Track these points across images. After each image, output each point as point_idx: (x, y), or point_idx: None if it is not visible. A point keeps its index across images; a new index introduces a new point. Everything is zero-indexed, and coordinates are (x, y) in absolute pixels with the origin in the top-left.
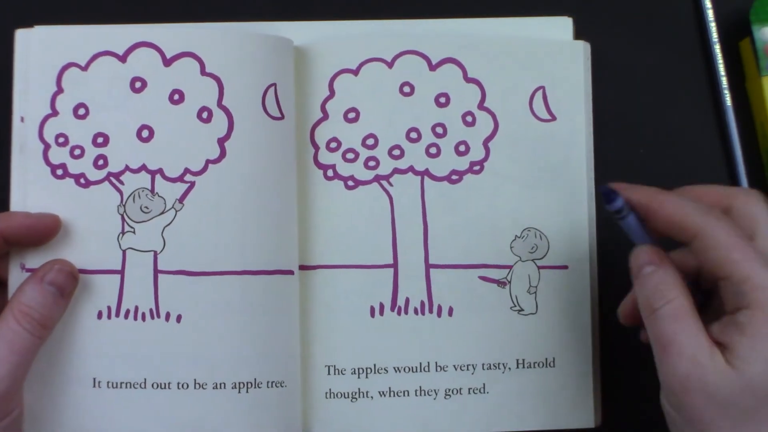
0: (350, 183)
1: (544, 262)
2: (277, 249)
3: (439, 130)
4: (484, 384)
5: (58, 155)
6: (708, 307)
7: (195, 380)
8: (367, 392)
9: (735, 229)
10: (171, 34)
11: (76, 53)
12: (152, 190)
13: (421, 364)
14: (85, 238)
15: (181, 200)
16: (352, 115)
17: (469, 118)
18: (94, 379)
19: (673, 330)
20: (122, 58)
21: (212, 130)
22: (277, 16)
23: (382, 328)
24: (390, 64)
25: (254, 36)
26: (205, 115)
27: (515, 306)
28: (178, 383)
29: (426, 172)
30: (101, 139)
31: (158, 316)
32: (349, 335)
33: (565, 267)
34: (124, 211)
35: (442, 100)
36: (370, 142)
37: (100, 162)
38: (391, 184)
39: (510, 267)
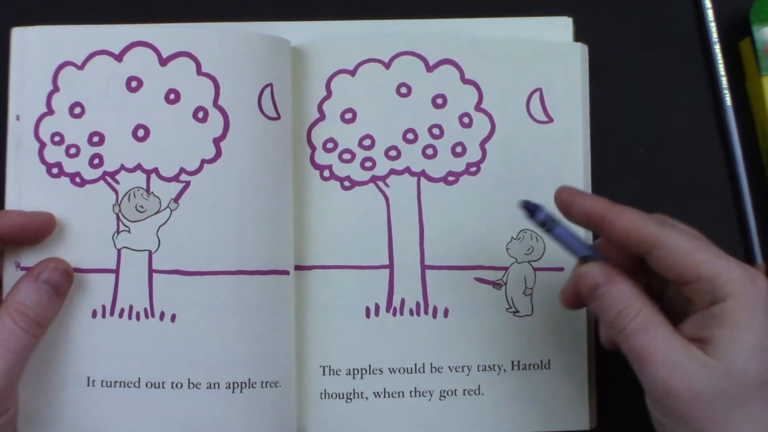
0: (346, 183)
1: (539, 264)
2: (273, 249)
3: (436, 131)
4: (479, 385)
5: (53, 154)
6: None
7: (189, 380)
8: (362, 393)
9: (690, 234)
10: (167, 34)
11: (73, 52)
12: (147, 190)
13: (416, 365)
14: (80, 237)
15: (176, 200)
16: (348, 115)
17: (466, 120)
18: (89, 377)
19: (645, 341)
20: (118, 58)
21: (208, 130)
22: (274, 16)
23: (377, 328)
24: (387, 65)
25: (251, 36)
26: (200, 114)
27: (511, 307)
28: (173, 383)
29: (422, 173)
30: (97, 138)
31: (153, 315)
32: (345, 336)
33: (561, 269)
34: (119, 210)
35: (439, 101)
36: (367, 142)
37: (96, 161)
38: (387, 185)
39: (506, 268)
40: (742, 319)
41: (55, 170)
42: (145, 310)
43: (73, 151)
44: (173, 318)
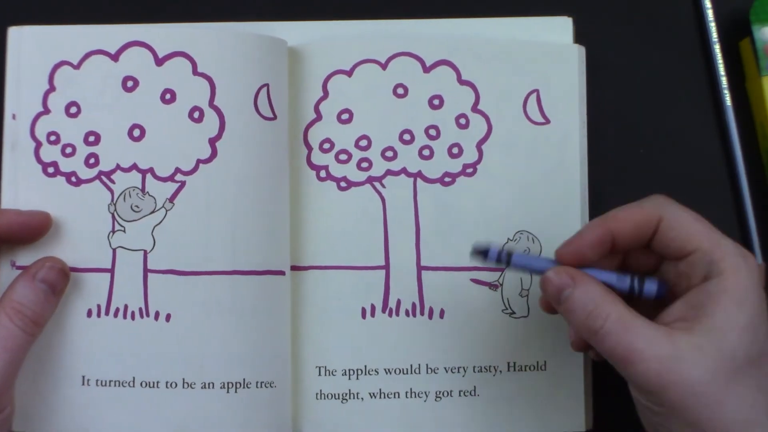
0: (343, 184)
1: None
2: (269, 249)
3: (433, 132)
4: (474, 387)
5: (49, 153)
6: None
7: (184, 380)
8: (357, 393)
9: (688, 209)
10: (163, 34)
11: (69, 52)
12: (143, 190)
13: (411, 366)
14: (76, 236)
15: (171, 200)
16: (345, 116)
17: (462, 121)
18: (83, 377)
19: (628, 340)
20: (114, 57)
21: (203, 130)
22: (270, 17)
23: (373, 329)
24: (384, 66)
25: (247, 36)
26: (196, 114)
27: (507, 309)
28: (167, 382)
29: (419, 174)
30: (93, 138)
31: (147, 315)
32: (340, 336)
33: None
34: (115, 209)
35: (436, 102)
36: (363, 143)
37: (92, 160)
38: (383, 186)
39: (502, 270)
40: (736, 297)
41: (51, 169)
42: (140, 309)
43: (68, 150)
44: (168, 318)
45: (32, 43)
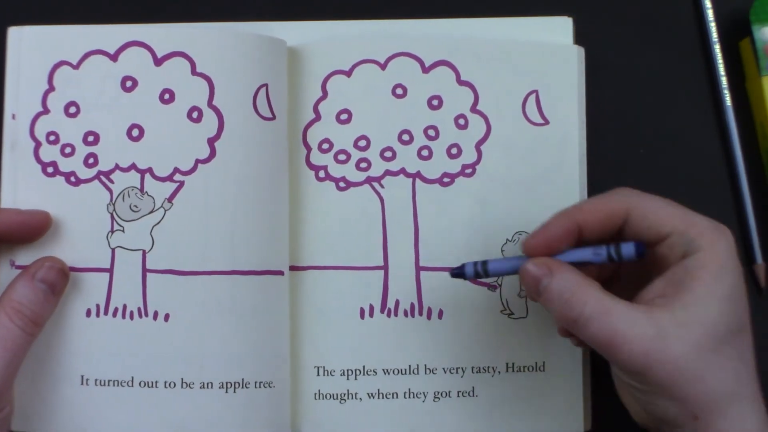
0: (342, 184)
1: None
2: (268, 249)
3: (432, 132)
4: (473, 387)
5: (49, 153)
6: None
7: (182, 380)
8: (355, 394)
9: (653, 195)
10: (162, 34)
11: (68, 52)
12: (141, 189)
13: (410, 366)
14: (75, 236)
15: (170, 199)
16: (344, 116)
17: (461, 121)
18: (82, 376)
19: (607, 326)
20: (113, 57)
21: (202, 130)
22: (269, 17)
23: (371, 329)
24: (383, 66)
25: (246, 36)
26: (195, 114)
27: (505, 309)
28: (166, 382)
29: (418, 175)
30: (92, 138)
31: (146, 315)
32: (339, 336)
33: None
34: (114, 209)
35: (435, 102)
36: (362, 143)
37: (91, 160)
38: (382, 186)
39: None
40: (715, 271)
41: (50, 169)
42: (139, 309)
43: (68, 150)
44: (167, 317)
45: (32, 43)
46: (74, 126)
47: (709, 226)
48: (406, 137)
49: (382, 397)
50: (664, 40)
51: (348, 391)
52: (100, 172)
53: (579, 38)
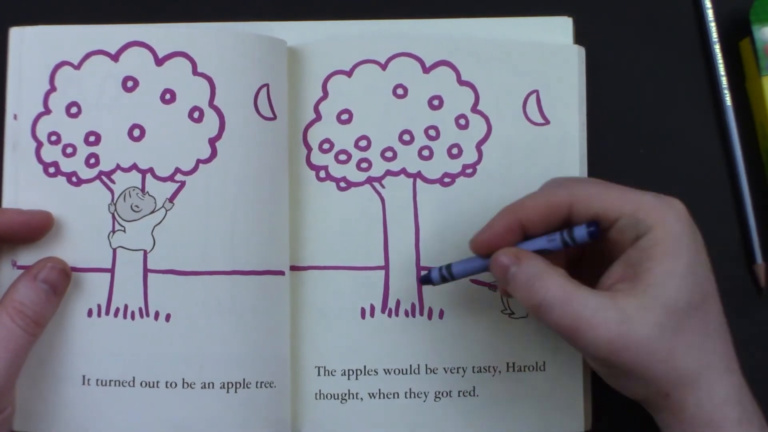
0: (342, 184)
1: None
2: (268, 249)
3: (432, 132)
4: (474, 387)
5: (50, 153)
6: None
7: (183, 380)
8: (356, 394)
9: (596, 181)
10: (163, 34)
11: (69, 52)
12: (143, 189)
13: (411, 366)
14: (76, 236)
15: (171, 200)
16: (345, 116)
17: (462, 121)
18: (84, 376)
19: (570, 312)
20: (115, 58)
21: (203, 130)
22: (270, 17)
23: (372, 329)
24: (384, 66)
25: (247, 36)
26: (196, 114)
27: (506, 309)
28: (167, 382)
29: (418, 175)
30: (93, 138)
31: (147, 315)
32: (340, 336)
33: None
34: (115, 209)
35: (436, 102)
36: (363, 143)
37: (92, 160)
38: (383, 186)
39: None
40: (668, 248)
41: (51, 169)
42: (140, 309)
43: (69, 150)
44: (168, 318)
45: (33, 44)
46: (75, 126)
47: (656, 203)
48: (406, 137)
49: (383, 397)
50: (664, 40)
51: (349, 391)
52: (101, 173)
53: (579, 38)
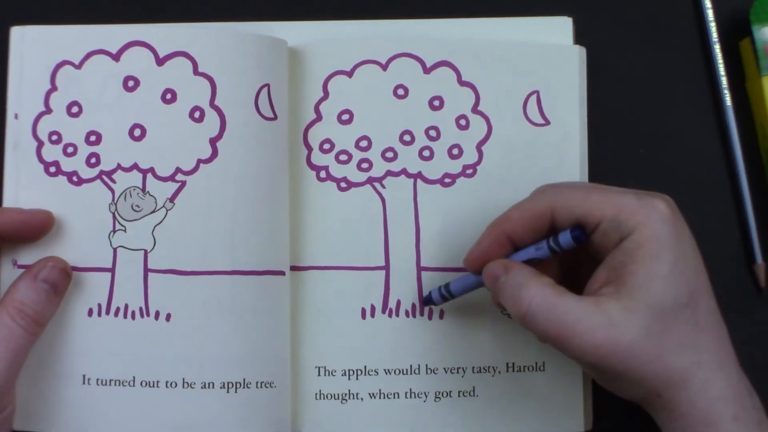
0: (343, 184)
1: None
2: (269, 249)
3: (433, 133)
4: (473, 387)
5: (51, 153)
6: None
7: (183, 379)
8: (357, 394)
9: (576, 185)
10: (164, 34)
11: (70, 51)
12: (143, 189)
13: (411, 366)
14: (77, 235)
15: (172, 199)
16: (345, 116)
17: (462, 122)
18: (84, 376)
19: (555, 320)
20: (116, 57)
21: (204, 130)
22: (271, 17)
23: (373, 330)
24: (384, 67)
25: (248, 36)
26: (197, 114)
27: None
28: (167, 382)
29: (419, 175)
30: (94, 138)
31: (148, 314)
32: (340, 337)
33: None
34: (116, 209)
35: (436, 103)
36: (364, 144)
37: (93, 160)
38: (383, 186)
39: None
40: (651, 249)
41: (52, 169)
42: (141, 309)
43: (70, 150)
44: (168, 317)
45: (34, 43)
46: (76, 126)
47: (638, 205)
48: (407, 138)
49: (384, 397)
50: (664, 40)
51: (349, 391)
52: (102, 172)
53: (579, 38)
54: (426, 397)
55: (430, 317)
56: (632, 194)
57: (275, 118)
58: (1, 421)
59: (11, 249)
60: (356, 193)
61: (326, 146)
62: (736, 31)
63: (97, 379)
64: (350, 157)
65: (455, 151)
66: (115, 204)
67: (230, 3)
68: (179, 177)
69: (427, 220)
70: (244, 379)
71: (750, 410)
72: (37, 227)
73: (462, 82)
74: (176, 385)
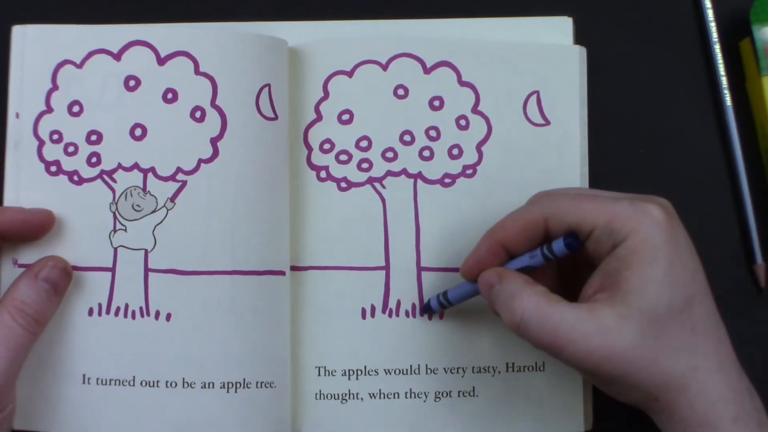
0: (343, 184)
1: None
2: (269, 249)
3: (433, 133)
4: (473, 387)
5: (52, 152)
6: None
7: (184, 379)
8: (357, 394)
9: (569, 193)
10: (165, 34)
11: (72, 51)
12: (144, 189)
13: (411, 366)
14: (77, 235)
15: (172, 199)
16: (345, 116)
17: (462, 122)
18: (84, 375)
19: (548, 328)
20: (117, 57)
21: (205, 130)
22: (271, 17)
23: (373, 330)
24: (384, 67)
25: (249, 36)
26: (198, 114)
27: None
28: (167, 382)
29: (419, 175)
30: (95, 137)
31: (148, 314)
32: (340, 337)
33: None
34: (116, 209)
35: (436, 103)
36: (364, 144)
37: (94, 159)
38: (384, 186)
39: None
40: (644, 255)
41: (53, 168)
42: (141, 309)
43: (71, 149)
44: (168, 317)
45: (36, 42)
46: (77, 125)
47: (630, 211)
48: (407, 138)
49: (384, 397)
50: (664, 40)
51: (349, 391)
52: (102, 172)
53: (579, 38)
54: (426, 397)
55: (430, 317)
56: (626, 200)
57: (276, 118)
58: (1, 421)
59: (12, 248)
60: (356, 193)
61: (326, 146)
62: (736, 31)
63: (97, 379)
64: (350, 157)
65: (455, 152)
66: (116, 203)
67: (231, 3)
68: (180, 177)
69: (427, 220)
70: (244, 379)
71: (750, 411)
72: (37, 226)
73: (462, 82)
74: (176, 385)
